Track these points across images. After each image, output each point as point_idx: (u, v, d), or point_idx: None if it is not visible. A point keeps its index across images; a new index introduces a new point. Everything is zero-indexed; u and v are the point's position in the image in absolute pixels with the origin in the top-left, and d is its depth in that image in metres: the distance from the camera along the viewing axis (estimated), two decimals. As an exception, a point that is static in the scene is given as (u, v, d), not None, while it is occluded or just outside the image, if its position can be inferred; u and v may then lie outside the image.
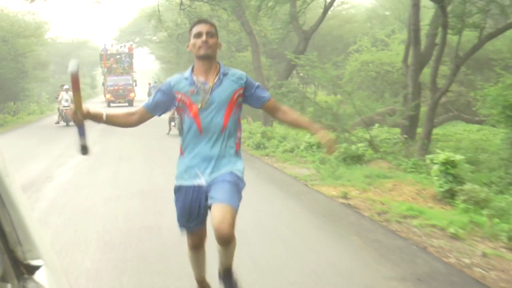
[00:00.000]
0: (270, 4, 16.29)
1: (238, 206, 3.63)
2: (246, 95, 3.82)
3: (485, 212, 7.66)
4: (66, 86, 25.08)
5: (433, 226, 7.01)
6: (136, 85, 43.38)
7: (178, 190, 3.84)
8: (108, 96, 41.56)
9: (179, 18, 30.62)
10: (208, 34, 3.69)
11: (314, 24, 23.40)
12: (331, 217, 7.27)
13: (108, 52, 43.10)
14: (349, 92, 15.30)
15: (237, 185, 3.71)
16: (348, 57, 29.19)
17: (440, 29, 15.63)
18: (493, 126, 14.19)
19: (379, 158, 12.15)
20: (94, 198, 8.64)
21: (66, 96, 24.69)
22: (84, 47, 62.39)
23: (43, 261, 1.51)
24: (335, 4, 32.69)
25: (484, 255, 5.90)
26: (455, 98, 24.89)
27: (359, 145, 12.28)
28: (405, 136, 15.72)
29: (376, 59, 27.04)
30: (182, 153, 3.87)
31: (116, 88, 41.26)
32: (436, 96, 15.74)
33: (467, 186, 8.51)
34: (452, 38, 16.66)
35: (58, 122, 25.39)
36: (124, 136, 18.63)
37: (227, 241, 3.54)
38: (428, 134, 15.75)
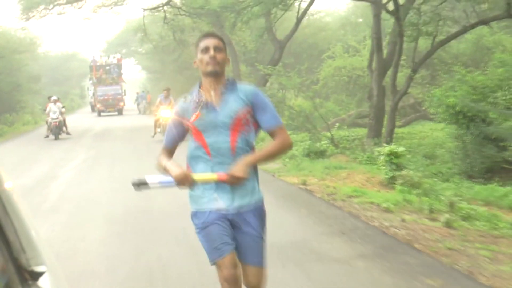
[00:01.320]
0: (244, 19, 17.84)
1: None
2: (255, 116, 3.47)
3: (415, 192, 9.31)
4: (54, 97, 23.90)
5: (371, 203, 8.61)
6: (125, 95, 44.53)
7: (195, 215, 3.51)
8: (98, 105, 42.65)
9: (163, 30, 32.18)
10: (216, 49, 3.45)
11: (288, 34, 25.01)
12: (288, 197, 8.89)
13: (98, 64, 44.18)
14: (312, 96, 16.91)
15: (264, 230, 3.59)
16: (323, 63, 30.79)
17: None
18: (440, 122, 15.80)
19: (339, 153, 13.79)
20: (96, 190, 10.21)
21: (54, 108, 23.03)
22: (73, 59, 63.75)
23: (46, 267, 1.55)
24: (310, 12, 34.42)
25: (403, 220, 7.51)
26: (423, 99, 26.56)
27: (322, 142, 13.92)
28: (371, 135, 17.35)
29: (348, 64, 28.64)
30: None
31: (106, 97, 42.41)
32: (396, 98, 17.34)
33: (404, 172, 10.16)
34: (416, 44, 18.19)
35: (47, 136, 23.25)
36: (115, 141, 20.23)
37: None
38: (391, 132, 17.29)
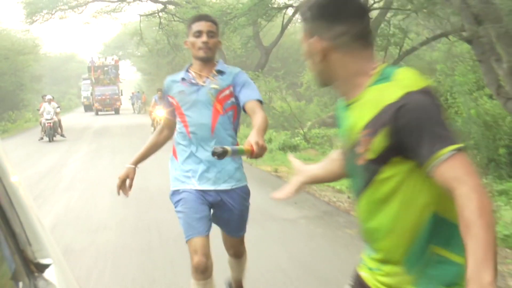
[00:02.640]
0: (231, 28, 19.67)
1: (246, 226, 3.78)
2: (235, 95, 3.48)
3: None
4: (48, 97, 22.68)
5: (328, 185, 10.44)
6: (122, 95, 46.24)
7: (175, 194, 3.64)
8: (96, 104, 44.31)
9: (158, 35, 33.89)
10: (209, 33, 3.44)
11: (273, 41, 26.83)
12: (260, 181, 10.74)
13: (96, 65, 45.83)
14: (284, 97, 18.84)
15: (247, 207, 3.72)
16: (306, 69, 32.60)
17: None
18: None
19: (310, 147, 15.68)
20: (101, 174, 12.08)
21: (48, 108, 21.67)
22: (71, 60, 65.65)
23: (52, 260, 1.55)
24: (297, 19, 36.19)
25: (349, 197, 9.36)
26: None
27: (296, 138, 15.83)
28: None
29: (330, 69, 30.52)
30: (176, 157, 3.69)
31: (104, 97, 44.13)
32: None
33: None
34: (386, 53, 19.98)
35: (41, 138, 21.84)
36: (114, 137, 22.11)
37: (239, 256, 3.87)
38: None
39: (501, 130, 10.89)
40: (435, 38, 18.34)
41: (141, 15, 32.02)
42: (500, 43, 8.75)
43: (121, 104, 46.17)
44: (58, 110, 22.30)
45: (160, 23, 30.79)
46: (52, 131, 21.68)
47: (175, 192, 3.60)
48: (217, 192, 3.53)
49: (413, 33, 20.29)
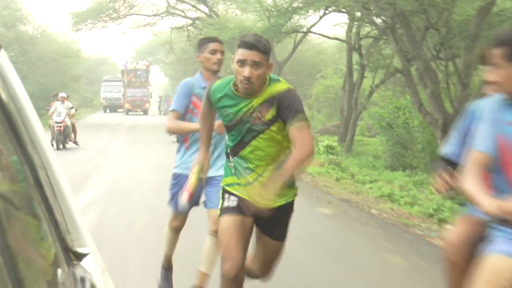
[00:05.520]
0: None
1: None
2: None
3: (338, 168, 14.78)
4: (62, 94, 18.78)
5: (306, 171, 14.07)
6: (151, 97, 49.76)
7: (177, 177, 4.59)
8: (127, 105, 47.63)
9: (186, 46, 37.40)
10: (222, 53, 4.37)
11: (285, 57, 30.42)
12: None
13: (128, 68, 49.07)
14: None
15: None
16: (315, 82, 36.30)
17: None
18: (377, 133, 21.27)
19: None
20: (138, 154, 16.01)
21: (60, 108, 18.06)
22: (105, 63, 69.82)
23: (89, 249, 1.61)
24: (311, 38, 39.70)
25: (313, 177, 13.02)
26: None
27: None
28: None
29: (336, 84, 34.07)
30: (187, 147, 4.57)
31: (134, 98, 47.49)
32: (357, 113, 22.73)
33: (331, 156, 15.68)
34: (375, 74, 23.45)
35: (52, 145, 16.76)
36: (144, 132, 26.08)
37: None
38: (351, 138, 22.62)
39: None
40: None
41: (172, 28, 35.52)
42: (426, 75, 12.34)
43: (149, 105, 49.40)
44: (72, 111, 18.67)
45: (188, 35, 34.29)
46: (62, 137, 17.75)
47: (177, 176, 4.71)
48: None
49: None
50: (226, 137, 3.62)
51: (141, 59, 55.82)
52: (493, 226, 2.69)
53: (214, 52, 4.37)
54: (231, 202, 3.51)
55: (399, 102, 18.53)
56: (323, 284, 5.35)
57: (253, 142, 3.43)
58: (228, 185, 3.57)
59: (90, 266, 1.59)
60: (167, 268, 4.83)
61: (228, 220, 3.46)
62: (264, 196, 3.22)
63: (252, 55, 3.25)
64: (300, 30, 23.94)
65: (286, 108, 3.29)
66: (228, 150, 3.60)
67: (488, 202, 2.45)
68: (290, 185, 3.48)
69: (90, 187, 10.66)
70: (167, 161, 14.33)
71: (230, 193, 3.54)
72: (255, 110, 3.37)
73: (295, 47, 28.75)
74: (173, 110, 4.44)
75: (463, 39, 12.01)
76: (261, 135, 3.41)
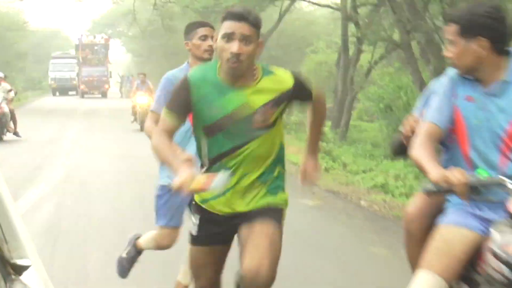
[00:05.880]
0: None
1: None
2: None
3: (328, 157, 15.37)
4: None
5: (287, 159, 14.66)
6: (111, 77, 50.03)
7: (163, 188, 4.67)
8: (82, 87, 47.51)
9: (152, 16, 37.52)
10: (212, 38, 4.16)
11: (269, 30, 30.66)
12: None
13: (84, 42, 49.40)
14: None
15: None
16: (305, 58, 36.55)
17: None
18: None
19: (286, 133, 19.91)
20: (95, 142, 16.65)
21: None
22: (56, 37, 69.36)
23: (30, 261, 1.58)
24: (301, 6, 40.00)
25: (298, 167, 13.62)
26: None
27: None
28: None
29: (329, 60, 34.20)
30: None
31: (91, 79, 47.44)
32: (353, 94, 23.16)
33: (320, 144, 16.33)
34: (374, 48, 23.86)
35: None
36: (102, 118, 26.56)
37: None
38: (346, 123, 22.97)
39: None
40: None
41: None
42: (429, 49, 12.93)
43: (109, 87, 49.55)
44: (11, 95, 17.97)
45: (155, 4, 34.18)
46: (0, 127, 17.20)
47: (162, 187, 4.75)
48: None
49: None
50: (204, 144, 3.45)
51: (99, 32, 55.61)
52: (448, 198, 3.25)
53: (204, 38, 4.48)
54: (194, 228, 3.54)
55: (401, 80, 19.00)
56: (301, 277, 5.90)
57: (248, 146, 3.35)
58: (201, 201, 3.51)
59: (32, 281, 1.56)
60: (139, 251, 4.99)
61: (196, 252, 3.60)
62: (311, 172, 3.88)
63: (242, 28, 3.20)
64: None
65: (301, 99, 3.56)
66: (205, 159, 3.48)
67: (435, 171, 2.93)
68: (274, 188, 3.50)
69: (43, 179, 11.16)
70: (129, 150, 14.91)
71: (199, 212, 3.53)
72: (256, 112, 3.30)
73: (280, 16, 28.93)
74: (152, 111, 4.52)
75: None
76: (260, 137, 3.36)
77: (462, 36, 3.15)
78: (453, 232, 3.05)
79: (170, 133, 3.39)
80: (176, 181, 3.07)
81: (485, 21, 3.10)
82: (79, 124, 23.64)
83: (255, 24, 3.23)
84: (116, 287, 5.48)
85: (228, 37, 3.17)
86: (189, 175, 3.05)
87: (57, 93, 50.98)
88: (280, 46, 40.37)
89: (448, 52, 3.25)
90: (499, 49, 3.14)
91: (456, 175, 2.84)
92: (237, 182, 3.39)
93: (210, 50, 4.43)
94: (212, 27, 4.61)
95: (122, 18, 43.14)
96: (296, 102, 3.56)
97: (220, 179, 3.08)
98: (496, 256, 2.85)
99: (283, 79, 3.38)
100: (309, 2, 26.83)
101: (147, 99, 19.88)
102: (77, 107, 35.59)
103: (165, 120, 3.38)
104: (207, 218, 3.49)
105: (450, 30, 3.19)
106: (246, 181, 3.41)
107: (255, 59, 3.31)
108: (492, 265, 2.88)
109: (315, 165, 3.91)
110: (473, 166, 3.17)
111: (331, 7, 24.93)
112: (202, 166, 3.51)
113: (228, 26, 3.19)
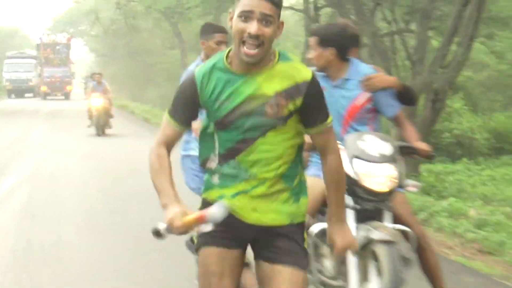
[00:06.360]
0: (186, 18, 25.21)
1: None
2: None
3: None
4: None
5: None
6: (74, 78, 50.27)
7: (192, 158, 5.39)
8: (44, 88, 47.26)
9: (115, 15, 37.26)
10: (226, 44, 5.01)
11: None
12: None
13: (45, 42, 49.37)
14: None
15: None
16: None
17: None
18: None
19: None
20: (59, 142, 18.09)
21: None
22: (14, 35, 69.46)
23: None
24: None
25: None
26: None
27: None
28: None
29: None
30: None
31: (53, 80, 47.42)
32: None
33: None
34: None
35: None
36: (66, 118, 27.76)
37: None
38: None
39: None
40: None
41: None
42: (376, 51, 14.43)
43: (72, 88, 49.61)
44: None
45: (118, 3, 34.40)
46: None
47: None
48: None
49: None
50: (215, 139, 3.22)
51: (60, 31, 56.08)
52: (311, 156, 4.77)
53: (219, 43, 5.20)
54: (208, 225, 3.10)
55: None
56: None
57: (260, 140, 3.09)
58: (212, 200, 3.20)
59: None
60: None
61: (209, 255, 3.20)
62: (345, 238, 3.26)
63: (262, 6, 2.89)
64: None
65: (314, 108, 3.10)
66: (214, 155, 3.25)
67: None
68: (296, 193, 3.24)
69: (13, 172, 12.40)
70: (93, 150, 16.25)
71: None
72: (268, 102, 3.02)
73: None
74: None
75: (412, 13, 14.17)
76: (273, 131, 3.08)
77: (319, 45, 4.62)
78: (313, 181, 4.29)
79: (170, 145, 3.21)
80: (165, 220, 2.89)
81: (335, 37, 4.61)
82: (42, 125, 24.64)
83: (277, 3, 2.93)
84: (88, 257, 6.81)
85: (246, 15, 2.88)
86: (179, 212, 2.89)
87: (13, 95, 50.32)
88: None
89: (310, 55, 4.72)
90: (343, 57, 4.64)
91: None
92: (254, 187, 3.13)
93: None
94: (227, 33, 5.25)
95: (84, 16, 43.61)
96: (307, 113, 3.10)
97: (216, 210, 2.92)
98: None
99: (301, 69, 3.06)
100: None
101: (102, 101, 20.17)
102: (39, 109, 36.08)
103: (166, 128, 3.21)
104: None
105: (312, 40, 4.63)
106: (263, 187, 3.14)
107: (271, 44, 2.98)
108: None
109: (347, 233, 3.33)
110: None
111: (293, 9, 26.10)
112: (210, 165, 3.27)
113: (246, 3, 2.88)
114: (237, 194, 3.14)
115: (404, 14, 15.73)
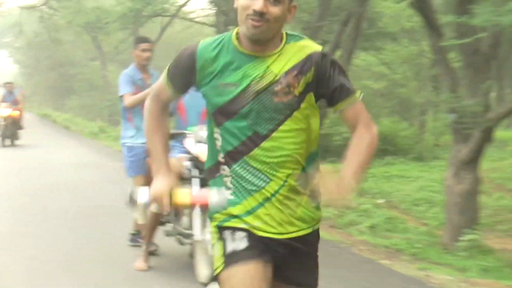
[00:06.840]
0: (105, 32, 26.53)
1: None
2: None
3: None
4: None
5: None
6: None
7: (130, 147, 6.86)
8: None
9: (38, 28, 38.97)
10: (150, 51, 6.29)
11: (154, 39, 33.12)
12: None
13: None
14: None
15: None
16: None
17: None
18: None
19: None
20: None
21: None
22: None
23: None
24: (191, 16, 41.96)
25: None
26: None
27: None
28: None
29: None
30: (130, 118, 6.79)
31: None
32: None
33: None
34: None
35: None
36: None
37: None
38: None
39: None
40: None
41: (21, 7, 36.58)
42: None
43: None
44: None
45: (42, 16, 35.89)
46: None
47: None
48: None
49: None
50: (217, 136, 2.86)
51: (-19, 43, 55.83)
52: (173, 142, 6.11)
53: (144, 50, 6.62)
54: (239, 241, 2.82)
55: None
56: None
57: (276, 134, 2.76)
58: (224, 220, 2.88)
59: None
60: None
61: (242, 275, 2.76)
62: (342, 190, 2.69)
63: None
64: (164, 14, 27.15)
65: (331, 80, 2.79)
66: (218, 157, 2.89)
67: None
68: (316, 204, 2.91)
69: None
70: (18, 163, 16.32)
71: (232, 228, 2.85)
72: (277, 81, 2.73)
73: (162, 30, 31.21)
74: (126, 94, 6.47)
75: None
76: (288, 121, 2.76)
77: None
78: (172, 161, 4.97)
79: (166, 103, 3.06)
80: (152, 191, 2.83)
81: None
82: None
83: None
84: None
85: None
86: (166, 188, 2.81)
87: None
88: (169, 56, 41.91)
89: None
90: None
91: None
92: (277, 191, 2.79)
93: (147, 59, 6.66)
94: (151, 42, 6.83)
95: (8, 29, 43.91)
96: (324, 87, 2.81)
97: (216, 199, 2.75)
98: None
99: (311, 44, 2.84)
100: (184, 18, 29.94)
101: (10, 111, 19.18)
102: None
103: (162, 88, 3.00)
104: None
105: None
106: (284, 190, 2.80)
107: (282, 25, 2.74)
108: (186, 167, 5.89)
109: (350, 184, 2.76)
110: (190, 126, 6.04)
111: (206, 24, 27.83)
112: (216, 169, 2.91)
113: None
114: (257, 207, 2.80)
115: (302, 29, 17.52)
